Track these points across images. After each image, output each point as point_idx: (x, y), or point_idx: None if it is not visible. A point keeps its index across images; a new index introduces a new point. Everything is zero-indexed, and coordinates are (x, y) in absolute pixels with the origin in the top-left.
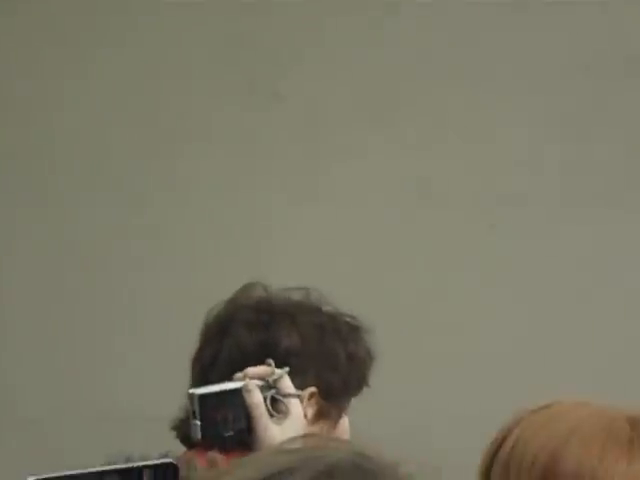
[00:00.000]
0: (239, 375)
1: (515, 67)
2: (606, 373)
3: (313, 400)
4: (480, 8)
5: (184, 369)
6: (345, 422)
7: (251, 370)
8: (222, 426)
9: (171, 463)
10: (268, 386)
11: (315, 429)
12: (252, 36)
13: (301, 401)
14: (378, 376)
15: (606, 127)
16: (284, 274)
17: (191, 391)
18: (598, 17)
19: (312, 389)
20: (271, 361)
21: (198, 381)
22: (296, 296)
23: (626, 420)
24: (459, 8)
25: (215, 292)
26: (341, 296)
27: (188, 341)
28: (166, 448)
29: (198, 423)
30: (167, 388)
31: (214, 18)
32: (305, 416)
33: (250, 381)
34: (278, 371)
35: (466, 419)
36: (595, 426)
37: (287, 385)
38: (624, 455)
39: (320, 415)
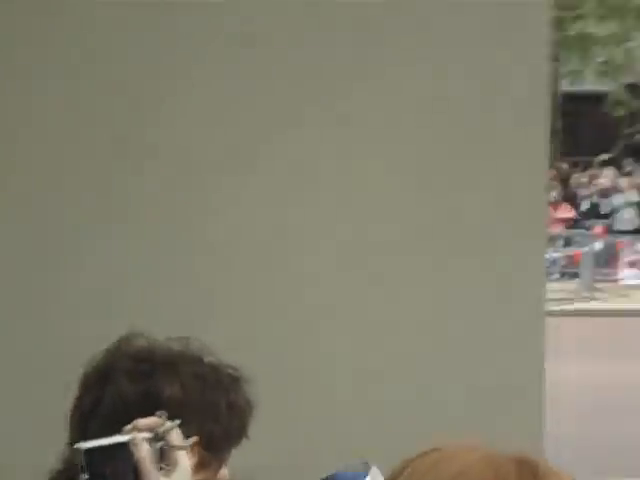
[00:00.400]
0: (128, 427)
1: (383, 113)
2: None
3: (194, 450)
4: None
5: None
6: (224, 473)
7: (141, 422)
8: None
9: None
10: (157, 438)
11: None
12: (113, 85)
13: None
14: (257, 427)
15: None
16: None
17: (77, 445)
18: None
19: (194, 439)
20: (161, 412)
21: (77, 429)
22: (177, 346)
23: (513, 462)
24: (325, 51)
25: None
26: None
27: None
28: None
29: (86, 477)
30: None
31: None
32: None
33: (138, 434)
34: (168, 423)
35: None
36: (482, 470)
37: (176, 437)
38: None
39: (201, 466)
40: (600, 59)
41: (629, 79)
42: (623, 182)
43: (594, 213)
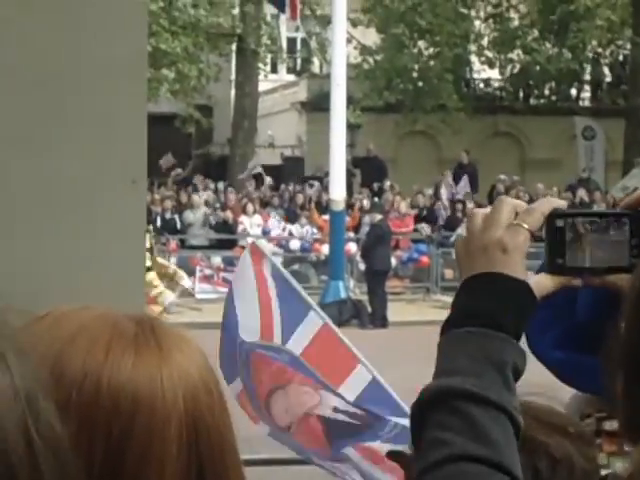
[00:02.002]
0: None
1: None
2: None
3: None
4: None
5: None
6: None
7: None
8: None
9: None
10: None
11: None
12: None
13: None
14: None
15: None
16: None
17: None
18: None
19: None
20: None
21: None
22: None
23: (130, 319)
24: None
25: None
26: None
27: None
28: None
29: None
30: None
31: None
32: None
33: None
34: None
35: None
36: (100, 326)
37: None
38: (130, 348)
39: None
40: (172, 77)
41: (200, 99)
42: (195, 198)
43: (169, 229)
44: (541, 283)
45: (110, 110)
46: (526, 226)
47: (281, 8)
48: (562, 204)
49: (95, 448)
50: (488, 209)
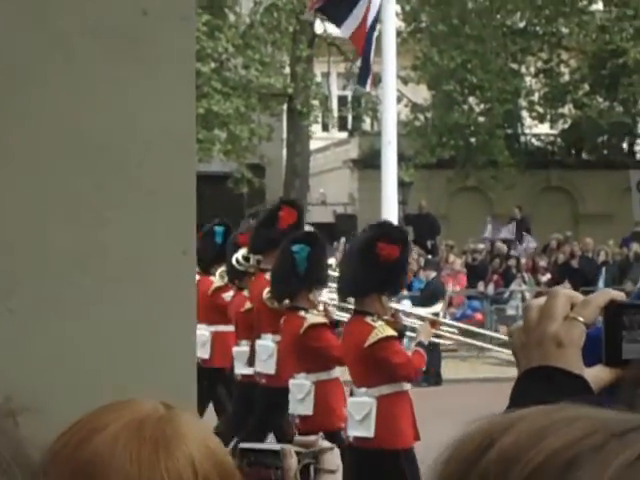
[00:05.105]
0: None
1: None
2: None
3: None
4: None
5: None
6: None
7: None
8: None
9: None
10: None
11: None
12: None
13: None
14: None
15: None
16: None
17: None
18: None
19: None
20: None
21: None
22: None
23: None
24: None
25: None
26: None
27: None
28: None
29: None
30: None
31: None
32: None
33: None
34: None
35: None
36: (127, 431)
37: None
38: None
39: None
40: (224, 137)
41: (252, 159)
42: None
43: None
44: (598, 377)
45: (159, 181)
46: (582, 319)
47: (364, 84)
48: (619, 295)
49: None
50: (543, 300)
